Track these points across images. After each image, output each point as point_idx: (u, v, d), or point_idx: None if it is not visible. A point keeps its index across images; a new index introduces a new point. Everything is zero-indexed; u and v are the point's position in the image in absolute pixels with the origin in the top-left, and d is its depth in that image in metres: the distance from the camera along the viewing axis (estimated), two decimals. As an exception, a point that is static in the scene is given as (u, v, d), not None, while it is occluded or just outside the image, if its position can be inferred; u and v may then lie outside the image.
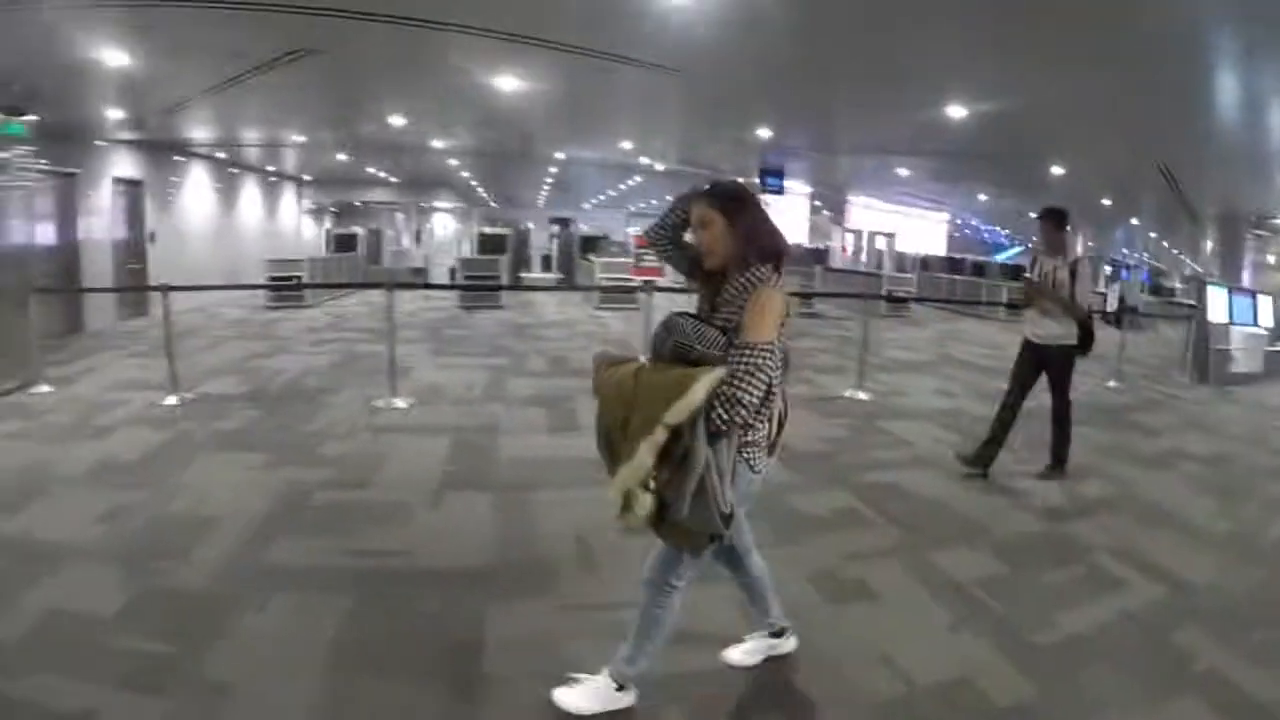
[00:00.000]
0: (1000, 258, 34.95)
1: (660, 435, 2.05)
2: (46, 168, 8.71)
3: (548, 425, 6.90)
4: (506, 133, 14.56)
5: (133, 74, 8.27)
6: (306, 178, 24.08)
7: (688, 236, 2.42)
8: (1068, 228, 5.05)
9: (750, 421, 2.19)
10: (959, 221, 35.88)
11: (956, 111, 10.23)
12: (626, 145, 16.50)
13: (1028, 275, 5.24)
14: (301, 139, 15.34)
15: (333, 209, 27.08)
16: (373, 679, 2.93)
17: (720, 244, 2.30)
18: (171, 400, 7.58)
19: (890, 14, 6.40)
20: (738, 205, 2.32)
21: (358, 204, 27.60)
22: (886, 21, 6.61)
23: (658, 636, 2.49)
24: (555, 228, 27.93)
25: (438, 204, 30.29)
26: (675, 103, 11.11)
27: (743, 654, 2.95)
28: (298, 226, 24.51)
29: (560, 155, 19.00)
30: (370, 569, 3.92)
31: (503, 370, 9.38)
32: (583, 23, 7.06)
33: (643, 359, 2.40)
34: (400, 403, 7.48)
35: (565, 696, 2.59)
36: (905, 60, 8.09)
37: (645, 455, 2.07)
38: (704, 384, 2.05)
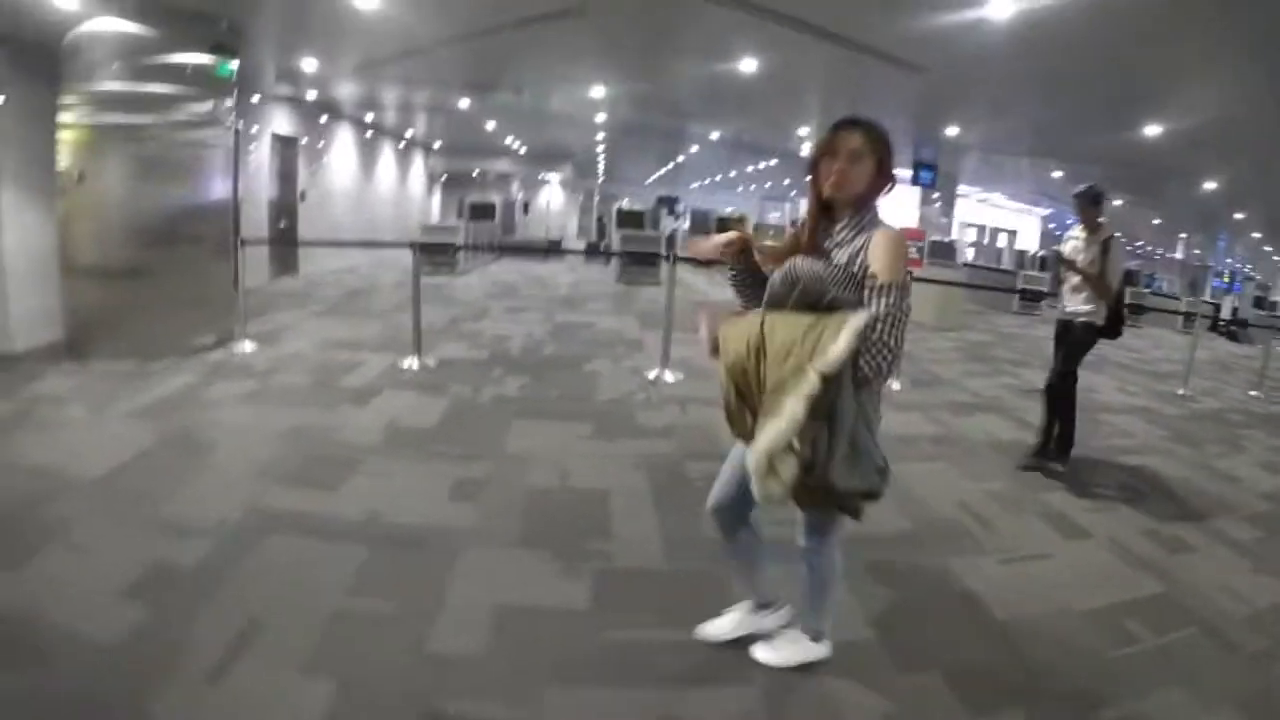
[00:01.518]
0: None
1: (813, 384, 1.88)
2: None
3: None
4: (694, 110, 14.40)
5: (373, 15, 7.84)
6: (435, 145, 23.65)
7: (831, 166, 2.18)
8: (1101, 206, 5.05)
9: (894, 369, 2.06)
10: (1049, 215, 34.40)
11: (1152, 130, 10.95)
12: (802, 132, 16.00)
13: (1058, 249, 5.32)
14: (464, 103, 14.85)
15: (444, 177, 26.56)
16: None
17: (859, 180, 2.14)
18: (415, 363, 7.24)
19: (1141, 34, 6.76)
20: (887, 146, 2.18)
21: (474, 174, 27.64)
22: (1133, 40, 7.00)
23: (836, 588, 2.52)
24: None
25: (548, 176, 29.93)
26: (891, 97, 10.99)
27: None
28: (424, 193, 24.41)
29: (714, 135, 18.38)
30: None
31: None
32: (854, 14, 7.32)
33: (757, 314, 2.18)
34: (669, 376, 7.17)
35: (764, 653, 2.61)
36: (1134, 80, 8.58)
37: (796, 407, 1.89)
38: (853, 327, 1.90)
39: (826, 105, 12.43)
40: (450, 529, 3.73)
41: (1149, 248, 36.57)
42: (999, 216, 31.52)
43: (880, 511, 3.39)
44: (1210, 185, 15.56)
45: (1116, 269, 4.87)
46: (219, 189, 7.74)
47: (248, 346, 7.64)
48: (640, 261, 15.28)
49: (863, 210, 2.17)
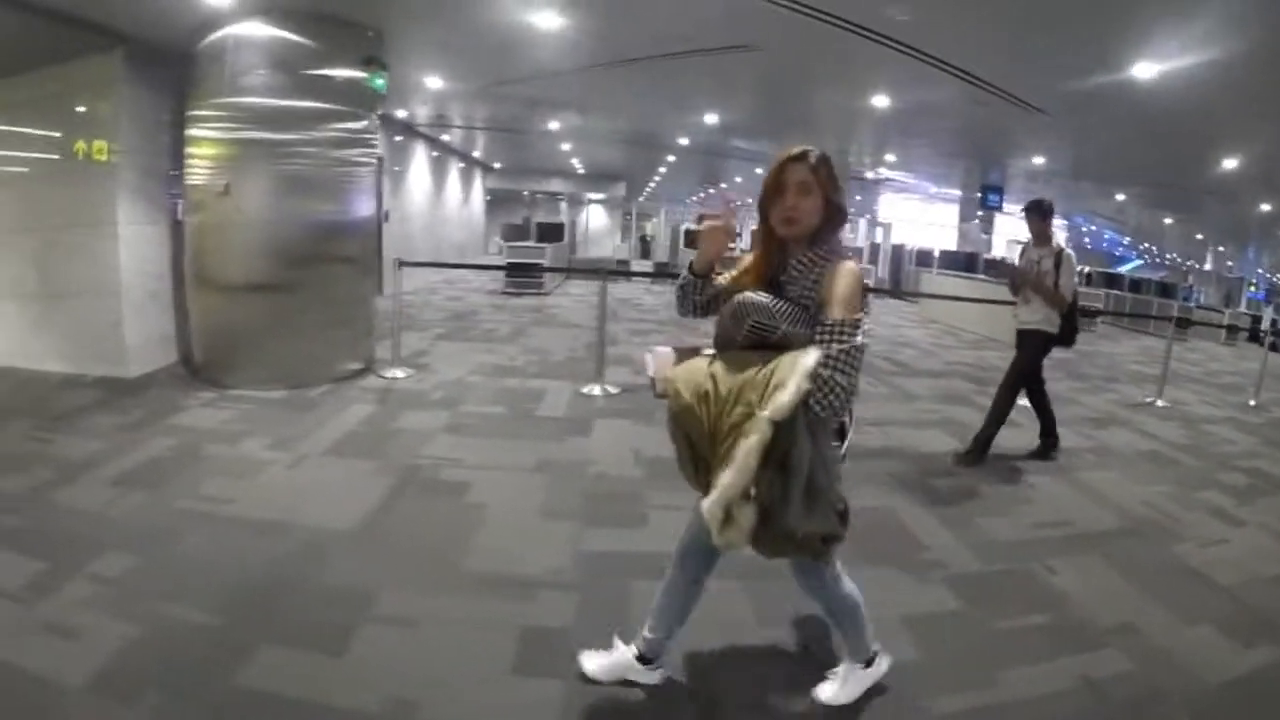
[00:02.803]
0: (1126, 269, 33.56)
1: (765, 432, 1.84)
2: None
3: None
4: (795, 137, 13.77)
5: (544, 34, 7.49)
6: (495, 165, 23.51)
7: (780, 201, 2.11)
8: (1051, 220, 5.31)
9: (846, 407, 1.97)
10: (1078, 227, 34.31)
11: (1230, 164, 11.46)
12: (890, 158, 16.35)
13: (1011, 263, 5.55)
14: (554, 124, 14.58)
15: (487, 197, 26.27)
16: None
17: (811, 214, 2.07)
18: (598, 390, 6.89)
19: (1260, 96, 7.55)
20: (833, 176, 2.10)
21: (524, 193, 27.72)
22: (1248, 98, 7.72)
23: (860, 612, 2.44)
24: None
25: (592, 195, 29.76)
26: (994, 129, 11.43)
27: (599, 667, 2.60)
28: (483, 212, 24.08)
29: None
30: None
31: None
32: (998, 59, 7.59)
33: (707, 350, 2.19)
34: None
35: (828, 692, 2.52)
36: (1236, 125, 9.20)
37: (749, 457, 1.85)
38: (802, 369, 1.87)
39: (930, 131, 12.54)
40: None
41: (1180, 260, 36.41)
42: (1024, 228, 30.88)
43: (1087, 513, 4.69)
44: (1265, 208, 16.30)
45: (1069, 281, 5.09)
46: (364, 208, 7.23)
47: (399, 372, 7.17)
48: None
49: (817, 244, 2.11)
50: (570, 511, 4.08)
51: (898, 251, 21.68)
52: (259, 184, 6.44)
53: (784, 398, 1.85)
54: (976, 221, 22.18)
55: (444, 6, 6.80)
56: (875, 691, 2.58)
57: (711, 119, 12.48)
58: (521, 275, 14.16)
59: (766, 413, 1.85)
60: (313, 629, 2.87)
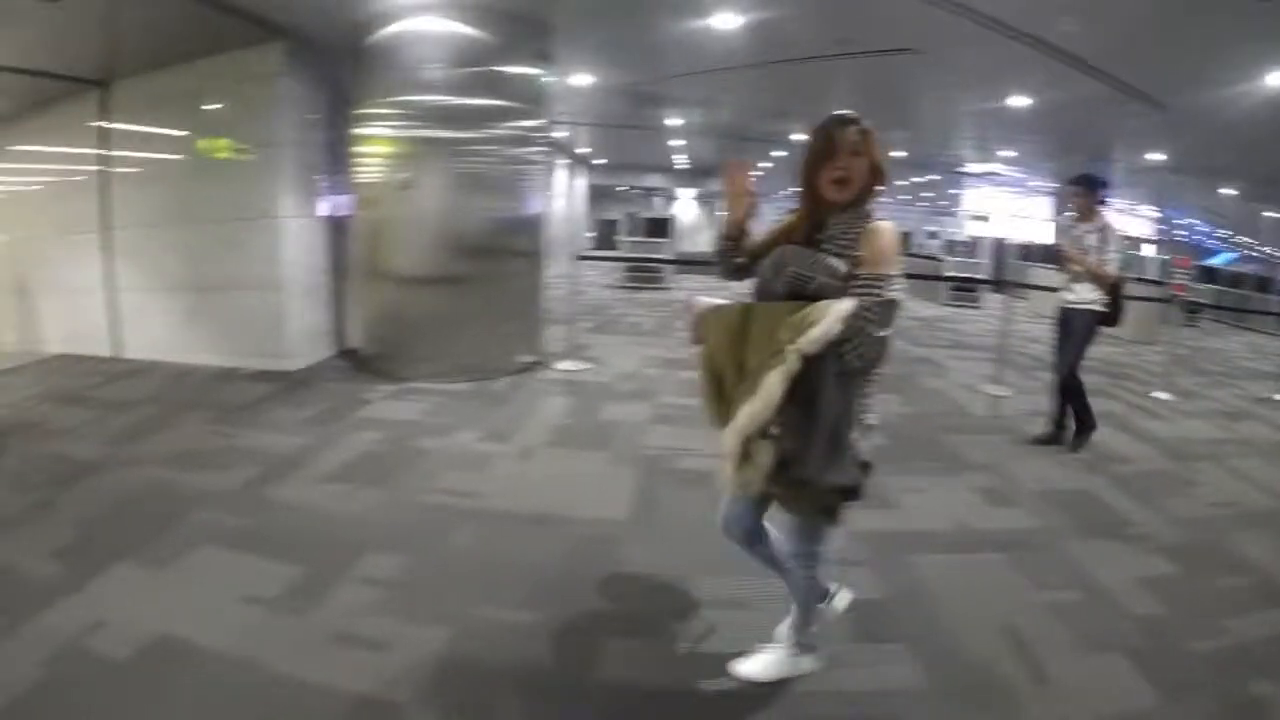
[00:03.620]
0: (1219, 261, 31.84)
1: (792, 364, 1.86)
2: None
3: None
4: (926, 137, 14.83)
5: (717, 35, 7.55)
6: (598, 161, 23.62)
7: (833, 164, 2.11)
8: (1099, 194, 5.17)
9: (880, 361, 1.99)
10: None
11: None
12: (1009, 154, 16.34)
13: (1059, 242, 5.35)
14: (679, 121, 14.53)
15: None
16: None
17: (861, 177, 2.10)
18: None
19: None
20: (878, 140, 2.14)
21: (620, 188, 27.83)
22: None
23: (817, 605, 2.43)
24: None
25: (684, 190, 29.66)
26: (1113, 125, 11.53)
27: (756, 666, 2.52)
28: (586, 207, 24.17)
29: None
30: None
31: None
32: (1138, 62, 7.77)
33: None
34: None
35: (744, 667, 2.49)
36: None
37: (774, 387, 1.87)
38: (838, 311, 1.89)
39: (1048, 126, 12.45)
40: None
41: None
42: (1138, 226, 30.11)
43: (1249, 496, 4.66)
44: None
45: (1114, 257, 5.00)
46: (536, 204, 7.13)
47: (571, 365, 7.07)
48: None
49: (856, 206, 2.13)
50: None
51: (999, 245, 20.66)
52: (436, 180, 6.35)
53: (816, 332, 1.86)
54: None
55: (625, 3, 6.78)
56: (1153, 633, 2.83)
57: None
58: (643, 270, 14.03)
59: (794, 345, 1.85)
60: (650, 618, 2.86)
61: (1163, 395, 7.10)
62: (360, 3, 6.10)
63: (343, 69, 6.96)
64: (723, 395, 2.08)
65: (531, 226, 7.00)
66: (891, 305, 1.99)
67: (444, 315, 6.41)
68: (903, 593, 3.08)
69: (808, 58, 8.40)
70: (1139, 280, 17.11)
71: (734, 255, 2.33)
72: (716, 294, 2.33)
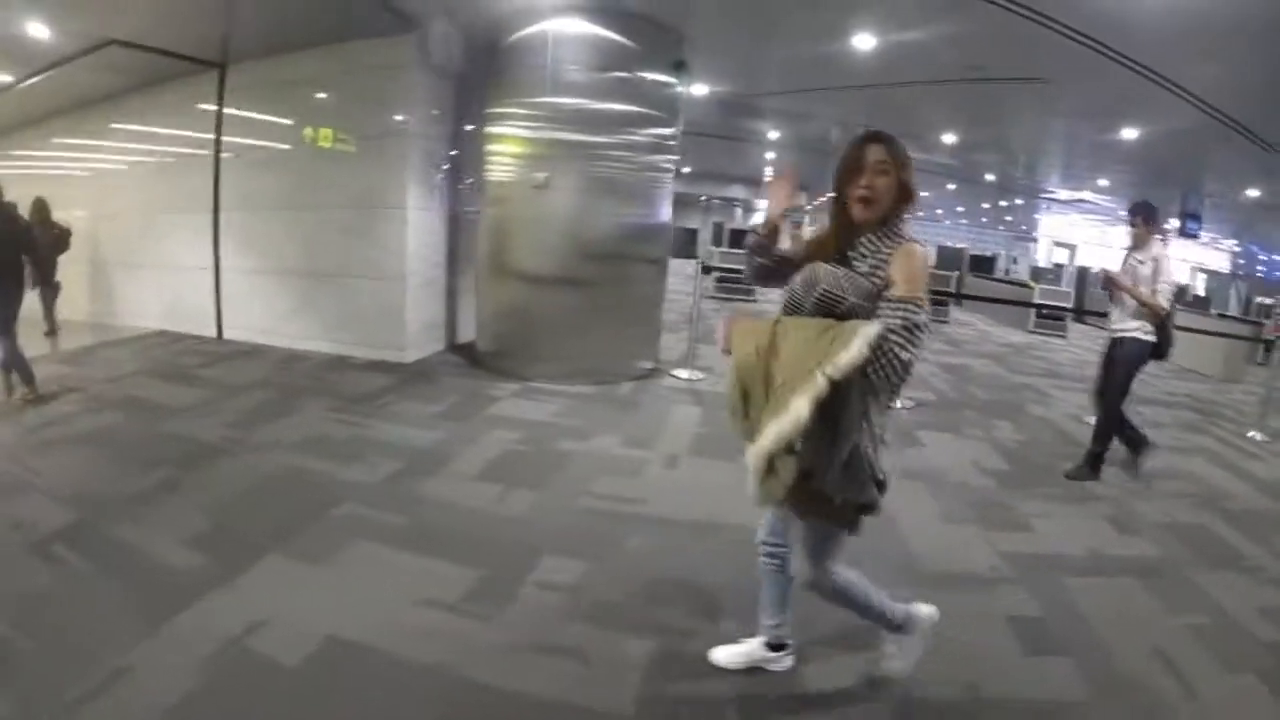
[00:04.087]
0: None
1: (820, 387, 1.88)
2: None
3: None
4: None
5: (849, 54, 7.60)
6: (685, 169, 23.17)
7: (857, 182, 2.15)
8: (1155, 223, 5.11)
9: (904, 383, 2.02)
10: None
11: None
12: (1103, 181, 16.27)
13: (1108, 269, 5.33)
14: (774, 134, 14.79)
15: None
16: None
17: (886, 195, 2.13)
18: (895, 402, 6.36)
19: None
20: (908, 159, 2.18)
21: (701, 198, 27.82)
22: None
23: (866, 592, 2.42)
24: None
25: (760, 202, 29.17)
26: (1218, 160, 11.59)
27: (729, 656, 2.69)
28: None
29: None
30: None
31: None
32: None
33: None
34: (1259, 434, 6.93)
35: (892, 664, 2.57)
36: None
37: (801, 407, 1.88)
38: (865, 335, 1.91)
39: (1151, 156, 12.26)
40: None
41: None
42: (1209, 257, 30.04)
43: None
44: None
45: (1166, 288, 4.91)
46: (665, 212, 7.09)
47: (687, 373, 6.99)
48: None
49: (886, 224, 2.16)
50: (965, 518, 4.21)
51: (1082, 274, 20.08)
52: (569, 182, 6.34)
53: (844, 358, 1.88)
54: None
55: (765, 18, 6.76)
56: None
57: (949, 139, 12.72)
58: (733, 281, 13.71)
59: (826, 369, 1.88)
60: (846, 631, 2.81)
61: (1257, 435, 6.99)
62: (502, 1, 6.14)
63: (471, 65, 6.98)
64: (749, 408, 2.10)
65: (658, 234, 6.97)
66: (920, 329, 1.99)
67: (568, 317, 6.39)
68: (1058, 612, 3.17)
69: (932, 81, 8.43)
70: (1222, 317, 16.60)
71: (762, 256, 2.37)
72: (767, 311, 2.31)
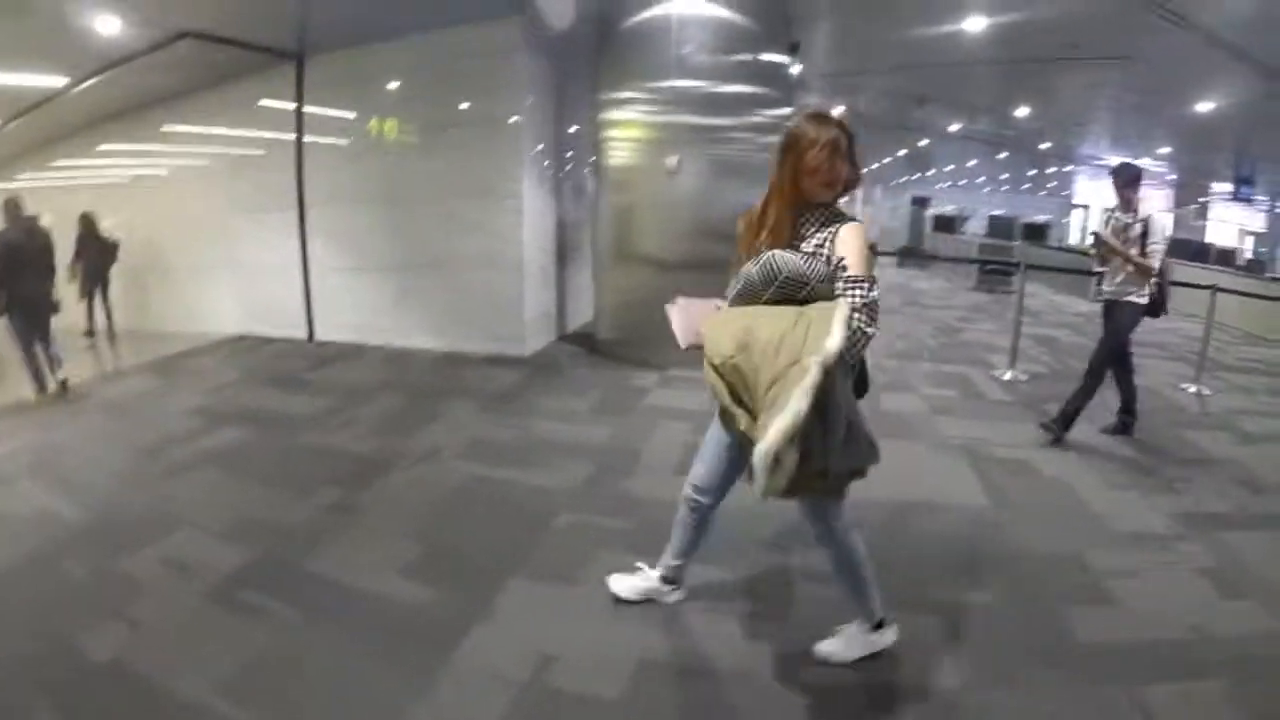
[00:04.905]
0: None
1: (815, 377, 1.92)
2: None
3: None
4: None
5: (954, 36, 7.82)
6: None
7: (821, 163, 2.22)
8: (1134, 182, 5.11)
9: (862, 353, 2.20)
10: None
11: None
12: (1162, 150, 16.79)
13: (1098, 232, 5.40)
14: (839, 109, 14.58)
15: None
16: None
17: (842, 175, 2.25)
18: (1009, 375, 6.78)
19: None
20: (853, 137, 2.27)
21: None
22: None
23: (864, 571, 2.52)
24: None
25: None
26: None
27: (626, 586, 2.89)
28: None
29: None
30: None
31: None
32: None
33: (719, 304, 2.44)
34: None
35: (828, 647, 2.60)
36: None
37: (802, 401, 1.91)
38: (841, 319, 2.01)
39: (1216, 126, 12.46)
40: None
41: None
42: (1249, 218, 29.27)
43: None
44: None
45: (1157, 248, 4.94)
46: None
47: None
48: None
49: (830, 204, 2.28)
50: (1124, 484, 4.35)
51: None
52: (694, 166, 6.34)
53: (832, 344, 1.94)
54: (1193, 208, 21.62)
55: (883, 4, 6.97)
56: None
57: (1020, 112, 13.19)
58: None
59: (819, 358, 1.92)
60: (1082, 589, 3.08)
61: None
62: None
63: (577, 47, 6.90)
64: (741, 406, 2.13)
65: None
66: (875, 304, 2.14)
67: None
68: (1229, 565, 3.33)
69: (1026, 60, 8.76)
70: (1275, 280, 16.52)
71: None
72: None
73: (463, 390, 5.79)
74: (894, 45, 8.52)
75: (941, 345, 8.22)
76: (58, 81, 7.69)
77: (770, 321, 2.07)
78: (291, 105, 7.63)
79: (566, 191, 7.51)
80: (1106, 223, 5.33)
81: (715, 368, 2.15)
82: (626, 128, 6.52)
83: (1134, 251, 4.95)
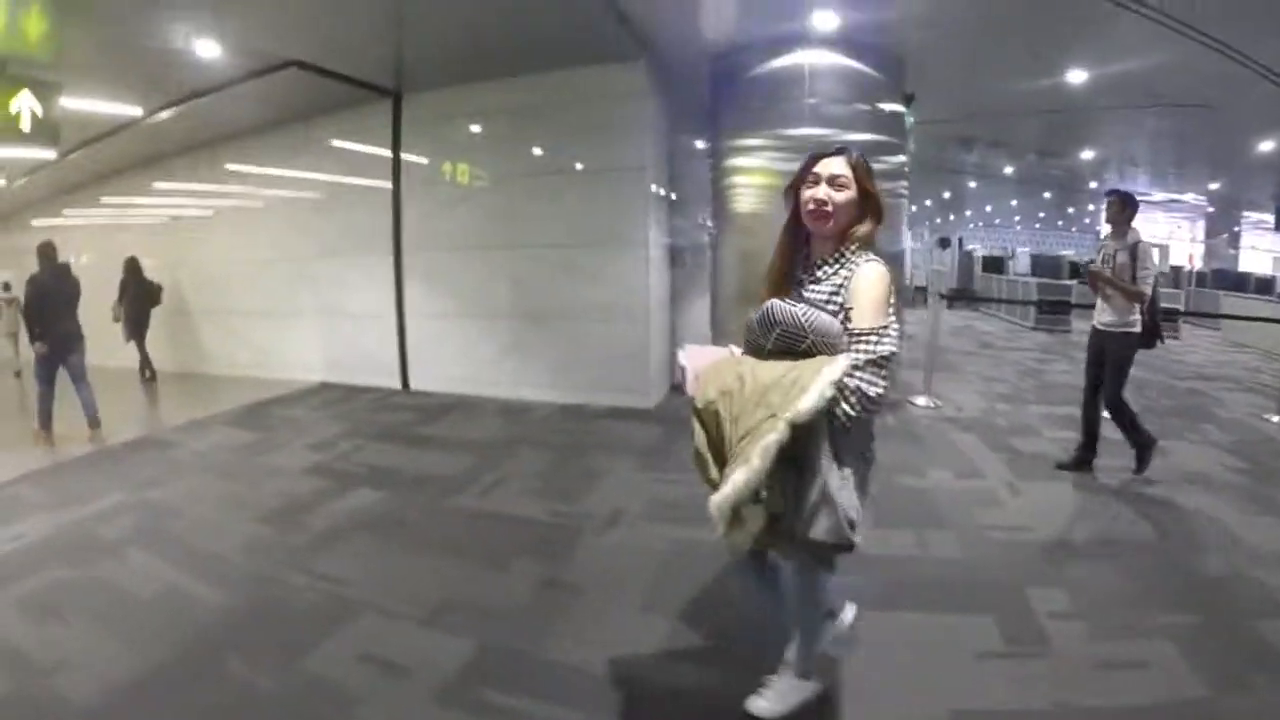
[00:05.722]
0: None
1: (780, 433, 1.84)
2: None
3: None
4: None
5: (1054, 86, 7.96)
6: None
7: (811, 194, 2.13)
8: (1131, 211, 5.08)
9: (876, 414, 2.02)
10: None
11: None
12: (1212, 186, 17.18)
13: (1090, 260, 5.52)
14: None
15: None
16: None
17: (846, 212, 2.11)
18: None
19: None
20: (870, 173, 2.16)
21: None
22: None
23: (823, 628, 2.50)
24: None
25: None
26: None
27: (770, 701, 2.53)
28: None
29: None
30: None
31: None
32: None
33: (735, 351, 2.27)
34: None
35: (759, 704, 2.49)
36: None
37: (763, 458, 1.84)
38: (827, 376, 1.89)
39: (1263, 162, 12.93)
40: None
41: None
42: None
43: None
44: None
45: (1147, 276, 4.93)
46: (900, 242, 7.41)
47: (924, 400, 7.09)
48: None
49: (845, 244, 2.14)
50: (1257, 510, 4.40)
51: (1175, 273, 20.20)
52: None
53: (804, 403, 1.85)
54: (1225, 237, 21.83)
55: (990, 54, 7.01)
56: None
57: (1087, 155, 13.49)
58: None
59: (787, 414, 1.85)
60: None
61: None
62: (757, 27, 6.19)
63: (687, 93, 7.01)
64: (715, 454, 2.05)
65: (896, 263, 7.06)
66: (886, 360, 1.97)
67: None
68: None
69: (1107, 107, 8.90)
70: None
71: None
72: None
73: (606, 446, 5.65)
74: (986, 95, 8.73)
75: (1033, 387, 8.26)
76: (133, 110, 7.47)
77: (762, 372, 1.99)
78: (378, 147, 7.57)
79: (680, 237, 7.53)
80: (1099, 251, 5.36)
81: (697, 411, 2.08)
82: (753, 174, 6.57)
83: (1126, 278, 4.94)
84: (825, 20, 6.04)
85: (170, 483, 5.03)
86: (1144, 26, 6.06)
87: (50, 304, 6.08)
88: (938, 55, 6.86)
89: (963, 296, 17.23)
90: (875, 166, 6.07)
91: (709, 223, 7.21)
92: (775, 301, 2.10)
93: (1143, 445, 5.13)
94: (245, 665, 2.78)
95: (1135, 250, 4.95)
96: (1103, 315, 5.18)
